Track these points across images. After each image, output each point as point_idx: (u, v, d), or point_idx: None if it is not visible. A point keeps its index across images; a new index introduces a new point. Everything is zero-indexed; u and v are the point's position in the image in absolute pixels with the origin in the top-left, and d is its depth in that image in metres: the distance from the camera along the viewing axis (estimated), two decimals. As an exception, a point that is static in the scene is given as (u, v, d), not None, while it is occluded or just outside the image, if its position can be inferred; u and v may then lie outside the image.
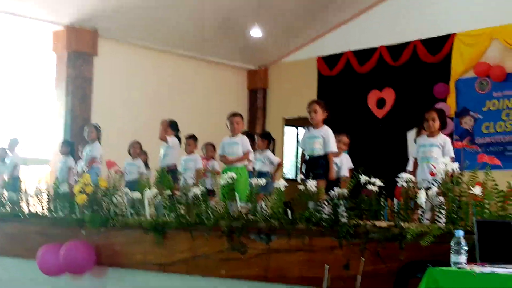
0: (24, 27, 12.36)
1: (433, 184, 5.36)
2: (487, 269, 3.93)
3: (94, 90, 12.65)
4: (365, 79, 13.29)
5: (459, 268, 3.97)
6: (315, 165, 6.77)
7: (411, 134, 10.74)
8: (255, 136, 8.94)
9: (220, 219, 5.95)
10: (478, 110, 11.70)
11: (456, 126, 11.85)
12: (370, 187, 5.38)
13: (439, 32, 12.19)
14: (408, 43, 12.62)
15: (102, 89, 12.72)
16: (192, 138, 9.11)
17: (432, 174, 5.78)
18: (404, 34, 12.73)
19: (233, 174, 6.43)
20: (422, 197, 5.13)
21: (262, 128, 14.82)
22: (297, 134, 15.62)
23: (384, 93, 12.96)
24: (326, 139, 6.83)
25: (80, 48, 12.43)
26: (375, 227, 5.07)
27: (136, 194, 6.80)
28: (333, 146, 6.87)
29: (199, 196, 6.29)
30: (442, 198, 5.19)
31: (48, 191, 7.91)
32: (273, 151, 8.85)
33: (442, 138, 6.66)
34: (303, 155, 7.06)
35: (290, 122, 15.11)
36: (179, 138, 9.21)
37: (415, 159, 6.79)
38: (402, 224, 5.01)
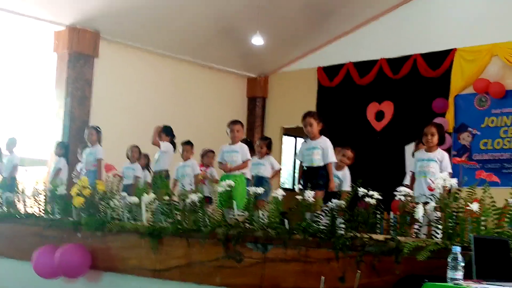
0: (25, 26, 12.36)
1: (431, 199, 5.37)
2: (484, 286, 3.94)
3: (94, 92, 12.64)
4: (365, 91, 13.31)
5: (455, 284, 3.97)
6: (315, 176, 6.78)
7: (409, 148, 10.75)
8: (255, 143, 8.96)
9: (217, 227, 5.95)
10: (476, 126, 11.72)
11: (454, 141, 11.87)
12: (367, 199, 5.40)
13: (439, 47, 12.22)
14: (408, 56, 12.66)
15: (101, 91, 12.72)
16: (189, 144, 9.11)
17: (431, 189, 5.80)
18: (404, 47, 12.78)
19: (231, 182, 6.44)
20: (419, 211, 5.14)
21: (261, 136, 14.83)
22: (295, 144, 15.63)
23: (383, 106, 12.97)
24: (325, 150, 6.85)
25: (81, 49, 12.43)
26: (371, 240, 5.08)
27: (134, 199, 6.79)
28: (332, 157, 6.89)
29: (196, 202, 6.29)
30: (439, 213, 5.21)
31: (45, 193, 7.90)
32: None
33: (440, 153, 6.69)
34: (301, 166, 7.06)
35: (289, 132, 15.13)
36: (174, 144, 9.21)
37: (413, 173, 6.81)
38: (399, 238, 5.02)
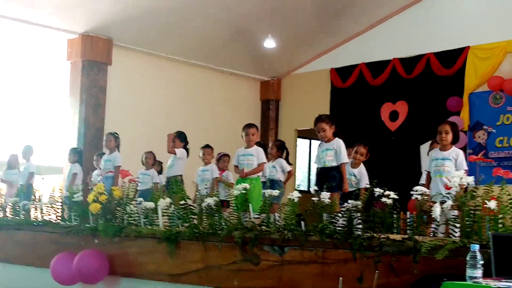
0: (39, 35, 12.44)
1: (448, 198, 5.35)
2: (503, 283, 3.91)
3: (108, 98, 12.70)
4: (378, 92, 13.28)
5: (474, 282, 3.95)
6: (327, 177, 6.79)
7: (424, 148, 10.72)
8: (269, 146, 8.98)
9: (233, 230, 5.95)
10: (492, 124, 11.64)
11: (470, 140, 11.80)
12: (384, 199, 5.38)
13: (453, 45, 12.17)
14: (421, 55, 12.61)
15: (115, 98, 12.78)
16: (209, 147, 9.13)
17: (448, 187, 5.77)
18: (417, 46, 12.73)
19: (247, 185, 6.44)
20: (437, 210, 5.12)
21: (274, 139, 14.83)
22: (310, 146, 15.62)
23: (397, 106, 12.94)
24: (338, 151, 6.89)
25: (95, 56, 12.50)
26: (389, 240, 5.06)
27: (150, 204, 6.81)
28: (344, 157, 6.92)
29: (212, 206, 6.30)
30: (456, 212, 5.19)
31: (61, 200, 7.94)
32: (287, 161, 8.88)
33: (455, 151, 6.66)
34: (317, 169, 7.09)
35: (303, 134, 15.11)
36: (187, 150, 9.24)
37: (428, 172, 6.79)
38: (416, 237, 5.00)
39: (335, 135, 6.99)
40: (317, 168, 6.97)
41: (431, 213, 5.18)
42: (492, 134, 11.64)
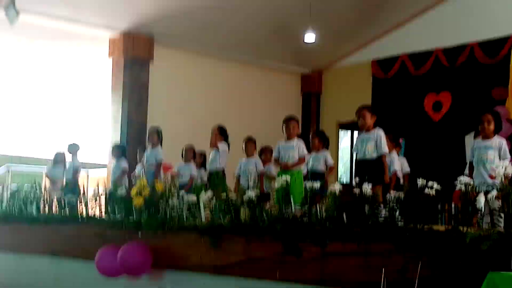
0: (81, 34, 12.62)
1: (492, 188, 5.26)
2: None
3: (150, 95, 12.83)
4: (421, 82, 13.14)
5: (520, 272, 3.88)
6: (367, 169, 6.75)
7: (469, 138, 10.56)
8: (310, 137, 8.95)
9: (275, 222, 5.94)
10: (538, 113, 11.40)
11: (515, 129, 11.58)
12: (427, 191, 5.31)
13: (497, 34, 11.95)
14: (465, 45, 12.42)
15: (157, 94, 12.90)
16: (252, 140, 9.10)
17: (492, 177, 5.68)
18: (460, 36, 12.54)
19: (288, 178, 6.43)
20: (481, 200, 5.04)
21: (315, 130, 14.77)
22: (352, 138, 15.52)
23: (440, 96, 12.78)
24: (378, 141, 6.85)
25: (137, 54, 12.64)
26: (432, 231, 4.99)
27: (192, 197, 6.86)
28: (385, 148, 6.88)
29: (254, 199, 6.30)
30: (501, 202, 5.09)
31: (105, 194, 8.05)
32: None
33: (498, 141, 6.58)
34: (356, 159, 7.06)
35: (344, 126, 15.03)
36: (228, 144, 9.26)
37: (471, 162, 6.70)
38: (461, 228, 4.92)
39: (375, 126, 6.96)
40: (357, 160, 6.94)
41: (475, 204, 5.10)
42: (539, 124, 11.38)
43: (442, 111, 12.70)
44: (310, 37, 12.61)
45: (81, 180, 11.01)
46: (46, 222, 8.20)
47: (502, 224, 4.94)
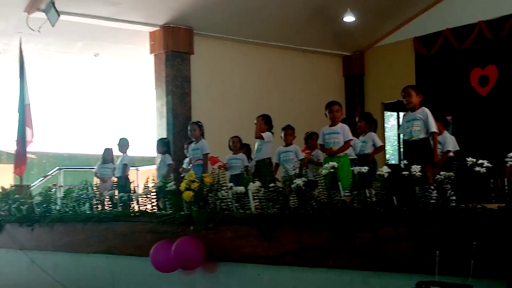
0: (122, 31, 12.75)
1: (545, 162, 5.14)
2: None
3: (193, 87, 12.91)
4: (465, 57, 12.91)
5: None
6: (415, 149, 6.66)
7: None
8: (356, 120, 8.88)
9: (325, 209, 5.93)
10: None
11: None
12: (477, 169, 5.22)
13: (542, 2, 11.66)
14: (509, 16, 12.13)
15: (200, 86, 12.98)
16: (290, 128, 9.09)
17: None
18: (504, 6, 12.25)
19: (335, 164, 6.39)
20: (534, 176, 4.93)
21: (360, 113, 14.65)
22: (397, 118, 15.35)
23: (486, 70, 12.53)
24: (425, 120, 6.74)
25: (177, 47, 12.72)
26: (485, 210, 4.91)
27: (240, 188, 6.87)
28: (433, 126, 6.75)
29: (302, 187, 6.28)
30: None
31: (155, 189, 8.13)
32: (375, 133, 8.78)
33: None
34: (404, 141, 6.97)
35: (389, 107, 14.87)
36: (272, 133, 9.24)
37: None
38: (515, 205, 4.83)
39: (421, 105, 6.85)
40: (404, 140, 6.84)
41: (528, 179, 5.00)
42: None
43: (489, 85, 12.45)
44: (349, 17, 12.49)
45: (132, 176, 11.13)
46: (100, 220, 8.31)
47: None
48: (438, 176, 5.51)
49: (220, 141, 10.31)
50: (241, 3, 12.39)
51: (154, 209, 8.03)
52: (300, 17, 13.34)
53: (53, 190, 10.02)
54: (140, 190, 8.72)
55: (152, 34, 12.83)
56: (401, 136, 7.14)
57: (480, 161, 5.23)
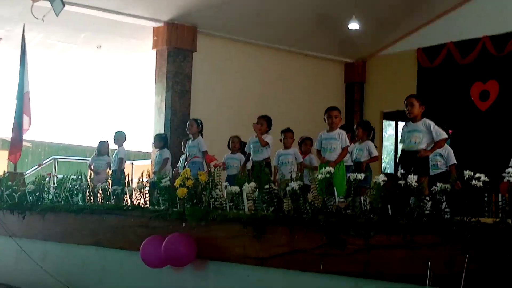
0: (126, 25, 12.73)
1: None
2: None
3: (193, 85, 12.88)
4: (467, 71, 12.90)
5: None
6: (412, 160, 6.63)
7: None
8: (355, 127, 8.86)
9: (319, 214, 5.90)
10: None
11: None
12: (474, 182, 5.20)
13: (546, 21, 11.66)
14: (513, 32, 12.14)
15: (201, 84, 12.95)
16: (289, 131, 9.07)
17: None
18: (508, 23, 12.26)
19: (331, 169, 6.36)
20: (530, 192, 4.91)
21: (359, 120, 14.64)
22: (396, 128, 15.35)
23: (487, 85, 12.52)
24: (428, 132, 6.71)
25: (180, 44, 12.69)
26: (479, 224, 4.89)
27: (235, 188, 6.84)
28: (442, 133, 6.73)
29: (297, 190, 6.26)
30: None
31: (149, 184, 8.10)
32: (373, 142, 8.74)
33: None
34: (402, 150, 6.95)
35: (389, 116, 14.86)
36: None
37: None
38: (509, 220, 4.81)
39: (423, 116, 6.83)
40: (402, 150, 6.81)
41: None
42: None
43: (489, 100, 12.45)
44: (354, 25, 12.49)
45: (126, 170, 11.10)
46: (92, 212, 8.28)
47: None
48: (434, 187, 5.49)
49: (218, 140, 10.29)
50: (246, 5, 12.38)
51: (147, 204, 7.99)
52: (306, 22, 13.33)
53: (47, 179, 9.97)
54: (134, 184, 8.68)
55: (156, 30, 12.81)
56: (400, 145, 7.11)
57: (478, 175, 5.21)
